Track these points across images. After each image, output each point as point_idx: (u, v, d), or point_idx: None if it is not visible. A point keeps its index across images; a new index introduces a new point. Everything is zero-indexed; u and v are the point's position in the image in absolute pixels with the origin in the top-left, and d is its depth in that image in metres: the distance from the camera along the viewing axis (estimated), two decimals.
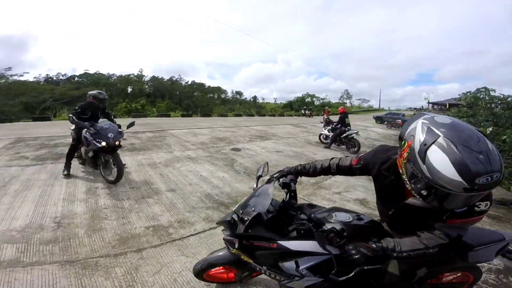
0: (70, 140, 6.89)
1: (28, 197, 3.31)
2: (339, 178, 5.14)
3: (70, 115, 3.94)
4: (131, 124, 4.34)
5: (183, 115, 20.18)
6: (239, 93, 67.05)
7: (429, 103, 42.55)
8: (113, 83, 49.66)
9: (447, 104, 33.65)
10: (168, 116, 18.79)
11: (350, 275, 1.13)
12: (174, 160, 5.54)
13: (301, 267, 1.21)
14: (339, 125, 8.55)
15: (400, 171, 1.08)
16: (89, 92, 4.33)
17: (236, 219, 1.36)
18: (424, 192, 0.97)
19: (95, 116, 4.25)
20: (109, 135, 3.85)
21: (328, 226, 1.23)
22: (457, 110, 11.70)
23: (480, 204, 1.02)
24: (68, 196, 3.41)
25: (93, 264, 2.12)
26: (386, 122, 21.11)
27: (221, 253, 1.65)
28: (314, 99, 59.28)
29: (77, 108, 4.08)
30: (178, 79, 59.52)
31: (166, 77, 58.10)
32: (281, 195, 1.65)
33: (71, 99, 35.39)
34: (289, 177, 1.57)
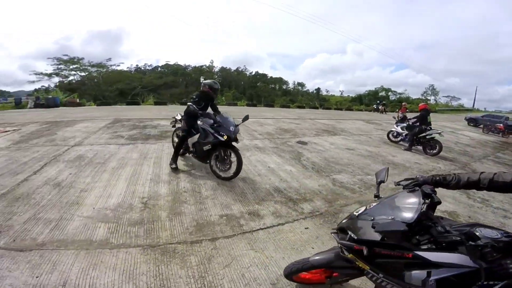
0: (157, 122, 7.95)
1: (122, 176, 3.72)
2: None
3: (189, 103, 3.74)
4: (246, 118, 4.07)
5: (248, 105, 20.83)
6: (301, 84, 64.65)
7: None
8: (188, 73, 54.52)
9: None
10: (235, 105, 19.73)
11: (501, 284, 1.15)
12: (243, 149, 5.62)
13: (431, 278, 1.21)
14: (418, 123, 7.51)
15: None
16: (204, 82, 4.08)
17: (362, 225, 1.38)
18: None
19: (206, 106, 4.07)
20: (231, 128, 3.66)
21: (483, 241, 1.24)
22: None
23: None
24: (155, 177, 3.74)
25: (171, 251, 2.18)
26: (482, 126, 16.97)
27: (323, 256, 1.68)
28: (389, 93, 52.84)
29: (194, 97, 3.87)
30: (243, 70, 60.96)
31: (233, 68, 60.45)
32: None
33: (155, 87, 40.80)
34: (429, 188, 1.44)
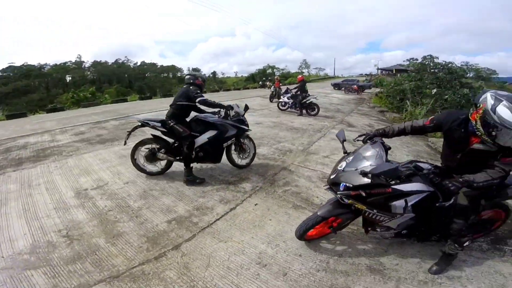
0: (24, 141, 5.99)
1: (10, 213, 2.76)
2: (322, 143, 5.41)
3: (202, 98, 3.23)
4: (246, 108, 3.96)
5: (141, 98, 18.45)
6: (196, 69, 63.78)
7: (378, 69, 47.44)
8: (47, 73, 43.21)
9: (394, 70, 36.98)
10: (125, 100, 17.02)
11: (451, 201, 1.68)
12: None
13: (409, 204, 1.59)
14: (299, 92, 9.14)
15: (473, 122, 1.55)
16: (195, 73, 3.64)
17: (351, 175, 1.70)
18: (493, 132, 1.45)
19: None
20: (245, 116, 3.78)
21: (425, 171, 1.70)
22: (407, 75, 12.92)
23: None
24: (58, 204, 2.92)
25: (141, 274, 1.89)
26: (343, 88, 22.45)
27: (327, 208, 1.93)
28: (275, 70, 59.33)
29: (198, 91, 3.33)
30: (125, 61, 54.70)
31: (111, 61, 53.01)
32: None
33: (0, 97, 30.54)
34: (380, 139, 1.87)
